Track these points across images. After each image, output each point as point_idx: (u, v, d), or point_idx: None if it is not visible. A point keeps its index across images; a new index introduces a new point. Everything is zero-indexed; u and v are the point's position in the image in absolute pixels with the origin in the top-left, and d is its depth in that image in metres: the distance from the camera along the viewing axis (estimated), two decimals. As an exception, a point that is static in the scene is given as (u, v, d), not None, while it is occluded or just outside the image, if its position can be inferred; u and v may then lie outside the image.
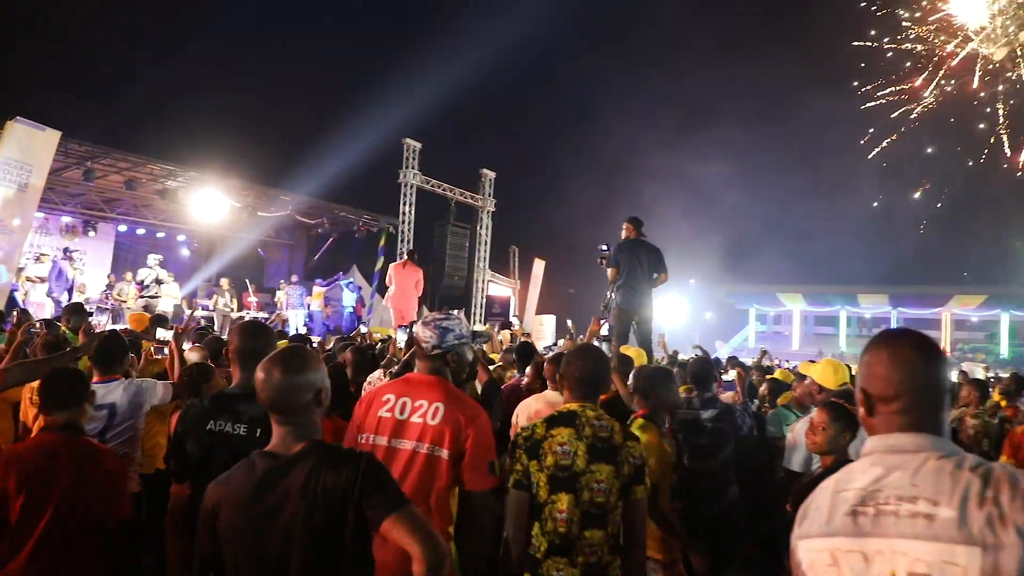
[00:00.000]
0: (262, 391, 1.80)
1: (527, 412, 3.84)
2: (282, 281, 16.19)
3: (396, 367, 3.94)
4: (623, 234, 6.93)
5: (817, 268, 42.63)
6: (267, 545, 1.73)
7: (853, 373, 4.39)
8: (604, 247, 7.13)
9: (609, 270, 6.75)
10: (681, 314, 41.37)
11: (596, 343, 5.82)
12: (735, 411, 4.22)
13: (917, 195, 46.70)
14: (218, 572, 1.80)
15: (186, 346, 4.97)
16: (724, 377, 6.78)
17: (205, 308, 15.35)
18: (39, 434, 2.82)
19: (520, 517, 2.47)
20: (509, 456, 2.55)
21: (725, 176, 48.93)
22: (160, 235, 17.77)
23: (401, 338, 5.43)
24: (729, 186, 48.49)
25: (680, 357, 8.68)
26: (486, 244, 20.16)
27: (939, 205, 46.56)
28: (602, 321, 6.60)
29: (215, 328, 12.77)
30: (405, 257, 14.16)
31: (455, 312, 3.07)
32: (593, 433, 2.48)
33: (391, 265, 12.88)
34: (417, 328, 2.64)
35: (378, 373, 4.23)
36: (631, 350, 5.51)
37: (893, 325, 41.33)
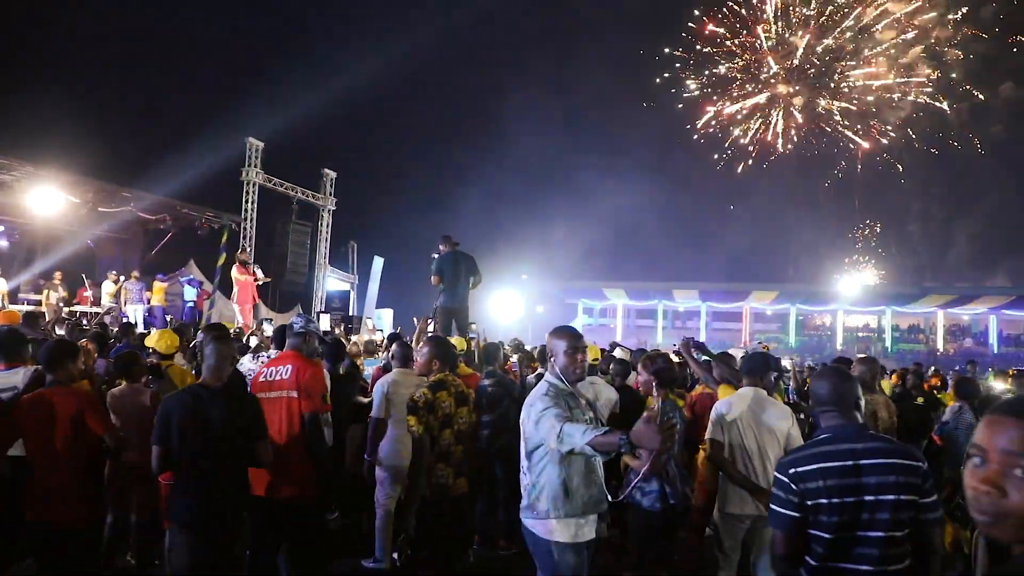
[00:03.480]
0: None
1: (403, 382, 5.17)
2: (111, 273, 16.10)
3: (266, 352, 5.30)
4: (441, 248, 8.42)
5: (637, 266, 46.63)
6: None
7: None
8: (434, 255, 8.60)
9: (433, 278, 8.23)
10: (516, 307, 43.71)
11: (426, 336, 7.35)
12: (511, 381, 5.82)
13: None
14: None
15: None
16: None
17: (33, 303, 15.08)
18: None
19: (427, 447, 4.14)
20: (413, 413, 4.15)
21: (555, 180, 52.15)
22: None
23: (268, 330, 6.69)
24: (558, 190, 51.80)
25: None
26: (326, 241, 20.93)
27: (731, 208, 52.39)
28: (430, 319, 8.19)
29: (45, 322, 12.81)
30: (250, 263, 14.75)
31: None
32: (456, 390, 4.31)
33: (235, 267, 13.59)
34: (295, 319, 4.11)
35: (248, 357, 5.45)
36: (454, 339, 7.11)
37: (703, 318, 46.22)
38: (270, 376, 4.05)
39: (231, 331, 11.46)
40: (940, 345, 42.06)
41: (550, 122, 51.81)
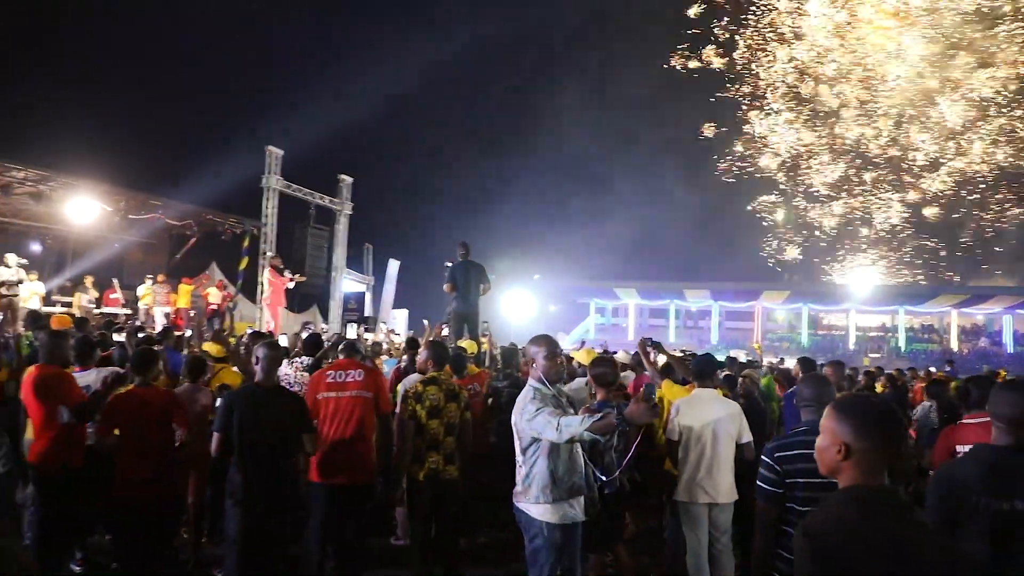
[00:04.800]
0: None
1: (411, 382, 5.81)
2: (147, 277, 16.86)
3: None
4: (459, 252, 9.07)
5: (649, 265, 47.01)
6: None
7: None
8: (448, 263, 9.30)
9: (446, 286, 8.92)
10: (529, 307, 44.29)
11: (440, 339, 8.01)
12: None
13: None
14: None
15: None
16: None
17: (64, 306, 15.79)
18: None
19: (410, 431, 4.76)
20: (403, 403, 4.83)
21: (567, 181, 52.69)
22: (10, 230, 17.82)
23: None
24: (571, 190, 52.31)
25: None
26: (343, 244, 21.59)
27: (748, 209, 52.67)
28: (443, 324, 8.90)
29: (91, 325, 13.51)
30: (282, 268, 15.40)
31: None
32: (446, 387, 4.85)
33: (268, 271, 14.27)
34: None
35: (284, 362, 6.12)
36: (465, 342, 7.79)
37: (715, 317, 46.54)
38: (339, 378, 4.79)
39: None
40: (954, 345, 42.14)
41: (563, 124, 52.30)
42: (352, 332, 10.02)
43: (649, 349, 5.73)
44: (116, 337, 6.81)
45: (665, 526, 5.60)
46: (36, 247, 17.36)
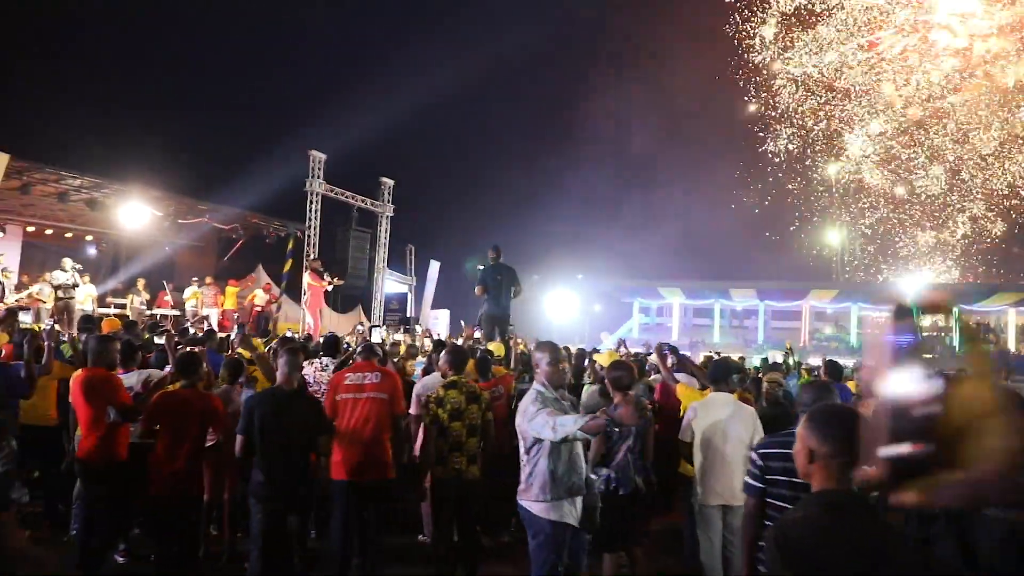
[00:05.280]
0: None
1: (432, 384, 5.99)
2: (193, 280, 17.44)
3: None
4: (490, 255, 9.21)
5: (694, 264, 46.56)
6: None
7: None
8: (480, 266, 9.48)
9: (477, 288, 9.07)
10: (572, 307, 44.32)
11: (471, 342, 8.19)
12: None
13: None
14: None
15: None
16: None
17: (119, 307, 16.43)
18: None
19: (432, 434, 4.95)
20: (424, 407, 5.01)
21: (610, 181, 52.49)
22: (68, 235, 18.63)
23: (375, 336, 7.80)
24: (615, 191, 52.13)
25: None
26: (385, 246, 21.97)
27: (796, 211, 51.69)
28: (475, 327, 9.07)
29: (140, 328, 14.03)
30: (322, 271, 15.77)
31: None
32: (467, 389, 5.00)
33: (307, 274, 14.67)
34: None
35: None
36: (493, 345, 7.95)
37: (761, 316, 45.87)
38: (357, 380, 5.00)
39: (298, 335, 12.50)
40: (1012, 345, 40.78)
41: (606, 123, 52.19)
42: (377, 336, 10.24)
43: (666, 353, 5.81)
44: (157, 340, 7.10)
45: (683, 527, 5.67)
46: (91, 251, 18.09)
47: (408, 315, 23.10)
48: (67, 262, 14.30)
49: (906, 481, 1.50)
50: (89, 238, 19.07)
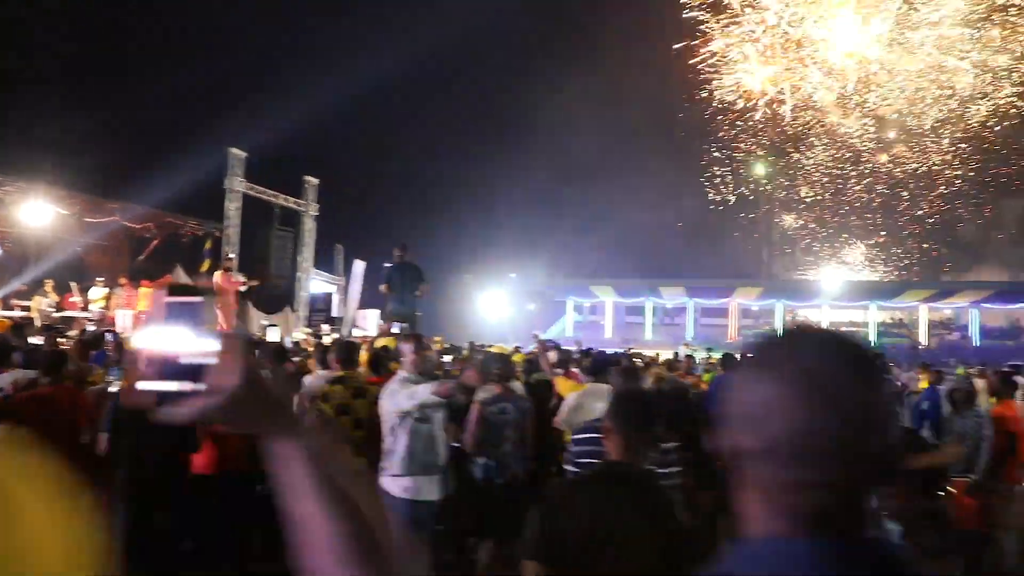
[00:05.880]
0: None
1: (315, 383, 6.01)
2: (98, 280, 16.86)
3: None
4: (395, 254, 9.25)
5: (626, 263, 47.35)
6: None
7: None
8: (386, 264, 9.47)
9: (382, 287, 9.11)
10: (505, 307, 44.55)
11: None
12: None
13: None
14: None
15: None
16: None
17: (24, 309, 15.81)
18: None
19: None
20: (310, 404, 5.02)
21: (544, 182, 52.93)
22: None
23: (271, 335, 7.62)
24: (548, 190, 52.58)
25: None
26: (309, 246, 21.70)
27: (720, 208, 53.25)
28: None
29: (32, 330, 13.55)
30: (233, 271, 15.45)
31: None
32: (354, 385, 5.06)
33: (217, 274, 14.38)
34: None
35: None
36: (389, 340, 8.04)
37: (690, 314, 47.00)
38: None
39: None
40: (924, 339, 42.85)
41: (537, 121, 52.53)
42: (274, 334, 10.17)
43: (547, 347, 5.99)
44: (32, 340, 6.92)
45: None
46: (-2, 251, 17.35)
47: (334, 315, 22.89)
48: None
49: None
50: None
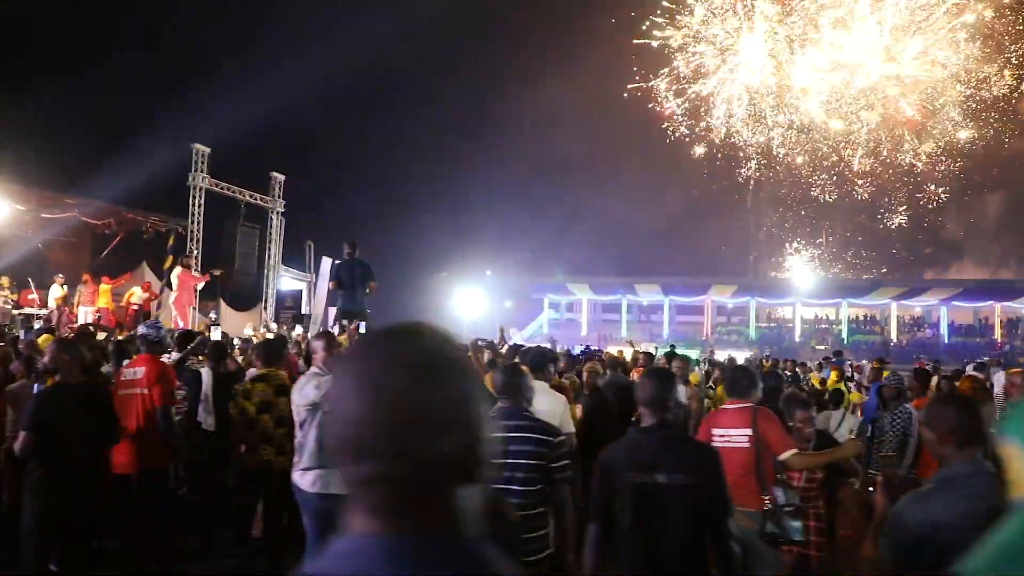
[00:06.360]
0: None
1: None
2: (57, 276, 16.65)
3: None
4: (345, 251, 9.24)
5: (601, 260, 47.56)
6: None
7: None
8: (336, 261, 9.51)
9: (331, 284, 9.10)
10: (481, 304, 44.53)
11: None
12: None
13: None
14: None
15: None
16: None
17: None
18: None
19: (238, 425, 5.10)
20: (232, 399, 5.12)
21: (520, 179, 53.01)
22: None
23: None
24: (524, 188, 52.64)
25: None
26: (276, 243, 21.55)
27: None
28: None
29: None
30: (190, 264, 15.35)
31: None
32: (276, 382, 5.03)
33: (176, 270, 14.28)
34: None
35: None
36: (343, 338, 7.98)
37: (667, 311, 47.29)
38: (129, 376, 5.01)
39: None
40: (894, 336, 43.44)
41: (512, 117, 52.53)
42: (216, 333, 10.12)
43: (480, 345, 6.03)
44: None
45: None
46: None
47: (303, 312, 22.74)
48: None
49: None
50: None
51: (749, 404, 3.90)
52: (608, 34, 47.89)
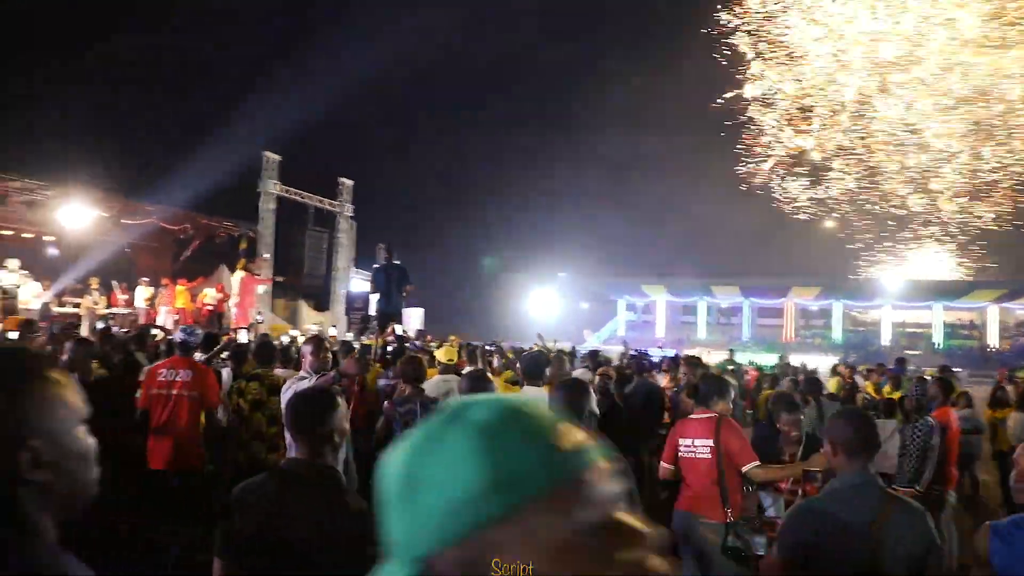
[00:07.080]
0: None
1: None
2: (142, 280, 17.70)
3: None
4: (381, 255, 9.50)
5: (678, 262, 46.68)
6: None
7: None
8: (374, 265, 9.84)
9: (370, 286, 9.39)
10: (555, 305, 44.53)
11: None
12: None
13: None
14: None
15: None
16: None
17: (74, 306, 16.71)
18: None
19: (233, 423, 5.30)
20: (228, 396, 5.32)
21: (596, 179, 52.63)
22: (27, 236, 18.88)
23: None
24: (599, 189, 52.25)
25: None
26: (346, 246, 22.23)
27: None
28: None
29: (81, 325, 14.36)
30: (252, 268, 16.05)
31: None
32: (269, 382, 5.21)
33: (241, 275, 14.99)
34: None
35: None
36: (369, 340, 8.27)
37: (746, 314, 46.01)
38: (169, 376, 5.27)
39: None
40: (995, 341, 40.84)
41: (591, 118, 52.27)
42: (243, 337, 10.53)
43: (489, 351, 6.09)
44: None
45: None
46: (48, 252, 18.37)
47: (371, 314, 23.30)
48: (11, 263, 14.53)
49: None
50: (48, 238, 19.37)
51: (713, 414, 3.82)
52: (703, 40, 47.09)
